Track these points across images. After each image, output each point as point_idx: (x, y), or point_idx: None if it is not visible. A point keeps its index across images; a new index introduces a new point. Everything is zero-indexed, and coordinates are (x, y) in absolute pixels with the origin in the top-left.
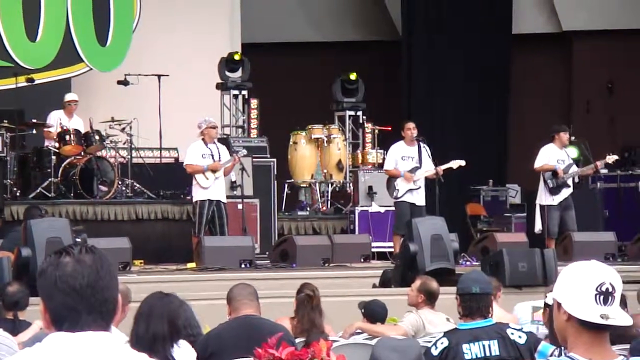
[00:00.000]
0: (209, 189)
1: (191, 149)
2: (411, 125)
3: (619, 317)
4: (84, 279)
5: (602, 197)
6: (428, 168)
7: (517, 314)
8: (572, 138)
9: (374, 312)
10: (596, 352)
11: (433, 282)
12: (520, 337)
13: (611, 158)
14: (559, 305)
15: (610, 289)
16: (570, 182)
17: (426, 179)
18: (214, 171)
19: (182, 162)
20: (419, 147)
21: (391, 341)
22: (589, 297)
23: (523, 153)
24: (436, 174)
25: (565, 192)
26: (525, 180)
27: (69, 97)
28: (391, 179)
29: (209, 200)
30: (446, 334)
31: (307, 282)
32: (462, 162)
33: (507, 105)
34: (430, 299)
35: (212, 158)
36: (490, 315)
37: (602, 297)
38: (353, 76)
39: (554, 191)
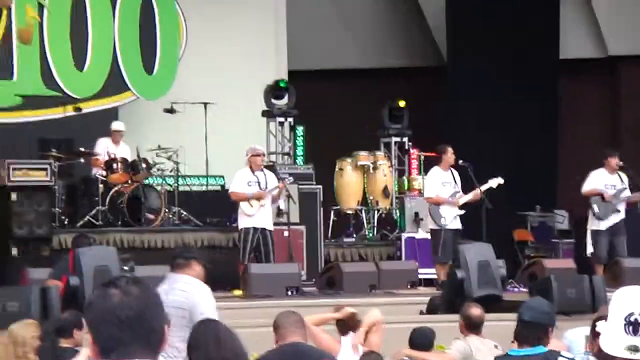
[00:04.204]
0: (253, 216)
1: (237, 176)
2: (452, 149)
3: None
4: (131, 310)
5: None
6: (463, 192)
7: (568, 340)
8: (620, 163)
9: (422, 339)
10: None
11: (474, 308)
12: None
13: None
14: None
15: None
16: (620, 207)
17: (470, 203)
18: (258, 199)
19: (229, 189)
20: (452, 172)
21: None
22: (619, 328)
23: (571, 178)
24: (481, 194)
25: (615, 218)
26: (574, 205)
27: (115, 126)
28: (434, 206)
29: (253, 227)
30: (497, 359)
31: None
32: (501, 180)
33: (555, 130)
34: (470, 325)
35: (259, 185)
36: (542, 344)
37: (631, 328)
38: (402, 103)
39: (600, 216)
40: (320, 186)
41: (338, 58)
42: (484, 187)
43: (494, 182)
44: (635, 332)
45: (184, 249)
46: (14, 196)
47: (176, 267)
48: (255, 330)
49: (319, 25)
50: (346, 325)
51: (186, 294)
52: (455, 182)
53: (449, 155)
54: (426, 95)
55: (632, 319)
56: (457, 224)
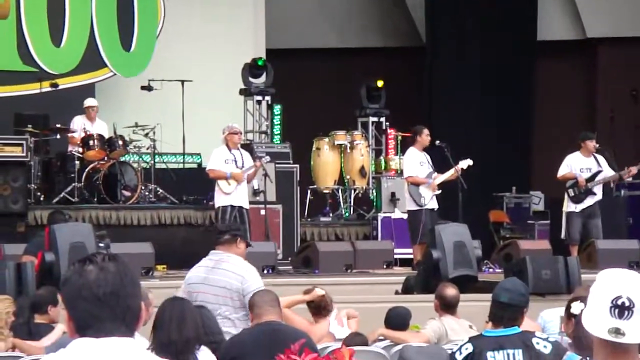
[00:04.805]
0: (231, 194)
1: (214, 154)
2: (428, 131)
3: (633, 333)
4: (108, 287)
5: (626, 204)
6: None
7: (543, 321)
8: (597, 145)
9: (397, 319)
10: None
11: (449, 288)
12: (545, 346)
13: None
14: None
15: (628, 303)
16: (596, 190)
17: (446, 183)
18: (236, 180)
19: (205, 167)
20: (425, 153)
21: (418, 346)
22: (604, 310)
23: (547, 160)
24: (456, 173)
25: (590, 200)
26: (549, 187)
27: (88, 102)
28: (414, 186)
29: (230, 205)
30: (471, 339)
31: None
32: (470, 162)
33: (531, 111)
34: (445, 305)
35: (235, 164)
36: (516, 325)
37: (617, 311)
38: (380, 83)
39: (575, 199)
40: (297, 165)
41: (316, 37)
42: (459, 166)
43: (464, 163)
44: (620, 316)
45: (231, 225)
46: None
47: (222, 243)
48: None
49: (297, 4)
50: (317, 306)
51: (237, 277)
52: (429, 162)
53: (424, 136)
54: (404, 75)
55: (619, 302)
56: (434, 204)
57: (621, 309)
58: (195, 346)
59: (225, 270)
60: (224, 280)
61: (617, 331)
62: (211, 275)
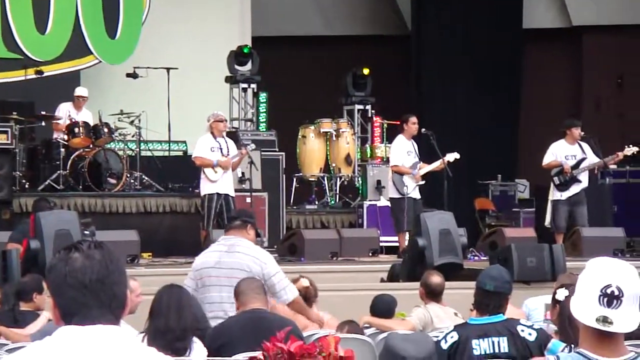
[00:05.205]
0: (217, 182)
1: (200, 141)
2: (415, 119)
3: (621, 322)
4: (94, 274)
5: (611, 192)
6: (421, 162)
7: (527, 309)
8: (582, 133)
9: (383, 307)
10: (605, 348)
11: (434, 276)
12: (530, 334)
13: (630, 150)
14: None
15: (617, 292)
16: (582, 177)
17: (432, 172)
18: (223, 167)
19: (191, 155)
20: (412, 141)
21: (404, 333)
22: (592, 298)
23: (532, 148)
24: (443, 165)
25: (575, 188)
26: (535, 175)
27: (79, 91)
28: (397, 174)
29: (217, 193)
30: (456, 327)
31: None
32: (457, 155)
33: (517, 100)
34: (430, 292)
35: (221, 151)
36: (501, 313)
37: (606, 300)
38: (366, 71)
39: (560, 187)
40: (282, 153)
41: (302, 25)
42: (445, 158)
43: (451, 156)
44: (609, 305)
45: (243, 211)
46: None
47: (233, 228)
48: None
49: None
50: (302, 297)
51: (256, 260)
52: (415, 152)
53: (410, 124)
54: (390, 63)
55: (608, 291)
56: (416, 194)
57: (610, 298)
58: (191, 335)
59: (242, 253)
60: (242, 262)
61: (605, 320)
62: (225, 258)
